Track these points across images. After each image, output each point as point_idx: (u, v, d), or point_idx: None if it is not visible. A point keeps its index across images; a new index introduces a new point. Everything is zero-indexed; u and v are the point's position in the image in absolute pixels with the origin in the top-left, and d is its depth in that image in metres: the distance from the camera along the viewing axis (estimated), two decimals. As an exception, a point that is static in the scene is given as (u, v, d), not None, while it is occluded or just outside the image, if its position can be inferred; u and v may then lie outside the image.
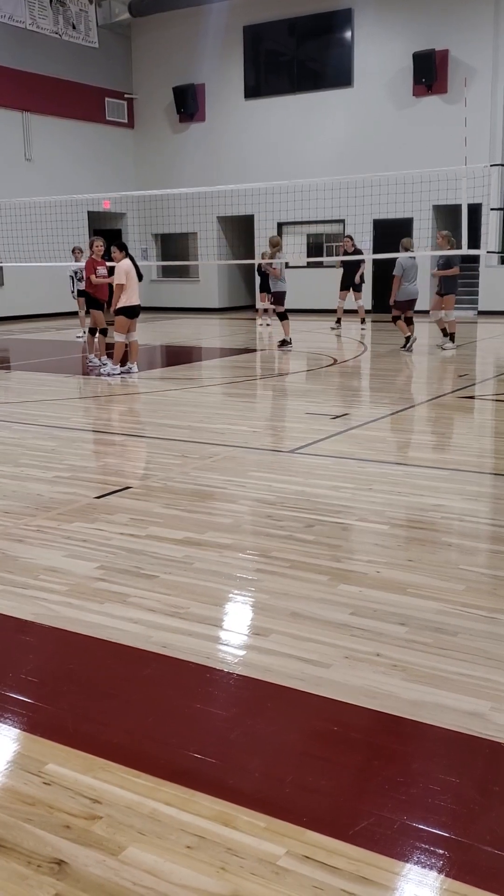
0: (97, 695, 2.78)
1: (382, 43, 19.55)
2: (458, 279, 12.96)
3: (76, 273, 15.38)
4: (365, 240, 19.26)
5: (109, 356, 10.75)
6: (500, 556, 4.02)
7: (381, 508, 4.71)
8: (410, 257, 12.51)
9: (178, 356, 13.60)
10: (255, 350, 14.02)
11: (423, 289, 13.74)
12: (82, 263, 13.27)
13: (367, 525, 4.44)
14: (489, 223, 17.05)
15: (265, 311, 17.46)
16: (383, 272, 17.14)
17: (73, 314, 16.93)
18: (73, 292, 16.08)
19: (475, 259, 18.43)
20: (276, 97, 21.21)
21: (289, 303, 13.96)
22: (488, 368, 11.61)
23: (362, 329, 16.28)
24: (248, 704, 2.70)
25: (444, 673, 2.82)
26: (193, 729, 2.56)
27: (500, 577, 3.70)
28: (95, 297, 11.18)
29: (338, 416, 7.59)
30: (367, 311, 17.29)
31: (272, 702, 2.70)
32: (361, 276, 15.97)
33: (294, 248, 21.21)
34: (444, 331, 12.91)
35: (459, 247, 12.14)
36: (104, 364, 10.79)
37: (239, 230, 22.72)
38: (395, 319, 12.71)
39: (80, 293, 14.57)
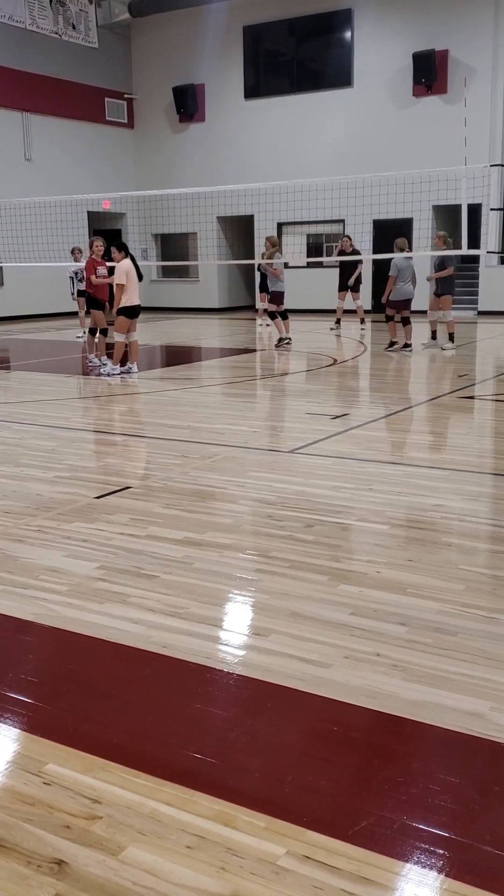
0: (97, 695, 2.78)
1: (382, 43, 19.56)
2: (454, 279, 12.96)
3: (76, 274, 15.37)
4: (365, 240, 19.26)
5: (109, 356, 10.75)
6: (500, 556, 4.02)
7: (380, 508, 4.71)
8: (406, 257, 12.51)
9: (177, 356, 13.60)
10: (254, 350, 14.02)
11: (421, 290, 13.72)
12: (82, 264, 13.29)
13: (367, 525, 4.44)
14: (489, 223, 17.04)
15: (264, 311, 17.44)
16: (383, 272, 17.12)
17: (73, 314, 16.93)
18: (72, 293, 16.06)
19: (475, 259, 18.44)
20: (275, 97, 21.21)
21: (288, 303, 13.97)
22: (488, 368, 11.61)
23: (362, 329, 16.28)
24: (248, 704, 2.70)
25: (444, 673, 2.82)
26: (193, 729, 2.56)
27: (500, 577, 3.70)
28: (96, 298, 11.18)
29: (338, 417, 7.59)
30: (367, 312, 17.28)
31: (272, 702, 2.70)
32: (357, 278, 15.93)
33: (294, 248, 21.21)
34: (434, 332, 12.90)
35: (459, 247, 12.14)
36: (104, 364, 10.79)
37: (239, 230, 22.71)
38: (388, 319, 12.71)
39: (81, 293, 14.57)
